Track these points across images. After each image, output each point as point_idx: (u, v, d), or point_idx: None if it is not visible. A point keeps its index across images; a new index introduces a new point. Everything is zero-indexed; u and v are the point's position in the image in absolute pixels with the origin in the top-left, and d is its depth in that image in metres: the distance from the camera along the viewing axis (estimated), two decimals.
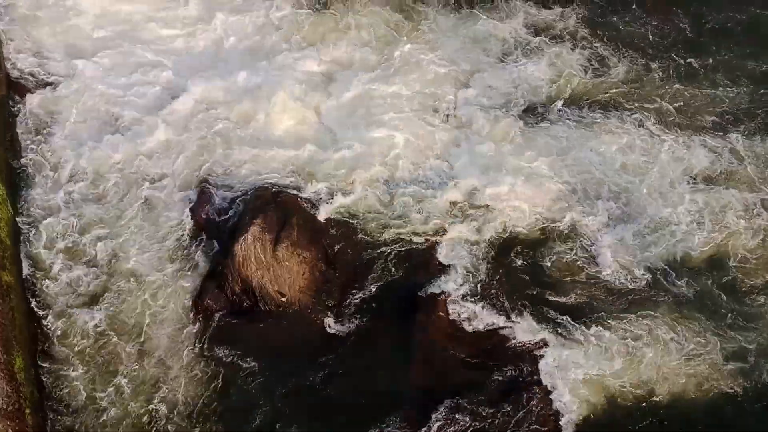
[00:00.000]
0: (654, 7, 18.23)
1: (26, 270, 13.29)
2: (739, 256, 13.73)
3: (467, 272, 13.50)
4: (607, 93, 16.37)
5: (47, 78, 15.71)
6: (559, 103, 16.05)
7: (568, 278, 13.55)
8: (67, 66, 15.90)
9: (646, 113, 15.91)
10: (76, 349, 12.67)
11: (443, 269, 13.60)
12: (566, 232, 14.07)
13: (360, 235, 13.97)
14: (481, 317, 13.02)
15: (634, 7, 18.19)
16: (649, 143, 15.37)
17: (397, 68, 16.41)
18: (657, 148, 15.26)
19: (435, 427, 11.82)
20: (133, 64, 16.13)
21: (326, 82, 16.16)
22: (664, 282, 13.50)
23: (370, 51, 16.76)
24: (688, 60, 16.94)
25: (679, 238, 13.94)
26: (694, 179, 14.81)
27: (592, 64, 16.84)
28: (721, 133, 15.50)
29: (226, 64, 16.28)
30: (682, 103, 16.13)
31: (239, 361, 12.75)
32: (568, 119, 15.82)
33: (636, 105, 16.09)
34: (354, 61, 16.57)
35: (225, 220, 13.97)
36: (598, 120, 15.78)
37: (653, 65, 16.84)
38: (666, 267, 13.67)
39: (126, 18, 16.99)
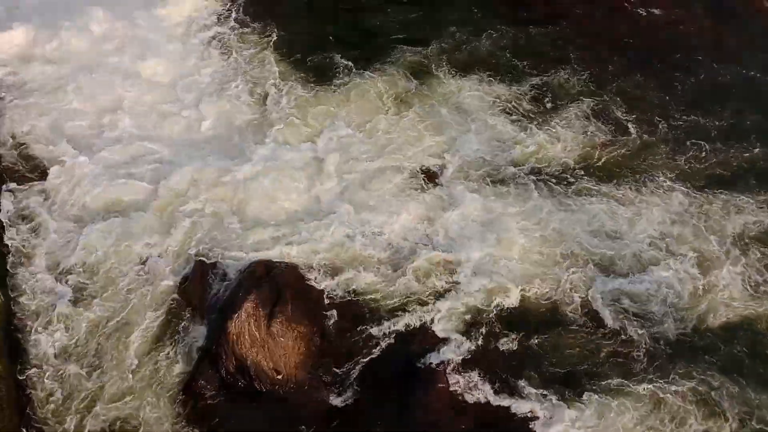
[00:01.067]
0: (658, 69, 18.36)
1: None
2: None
3: (465, 343, 13.13)
4: (610, 156, 16.24)
5: (40, 164, 15.84)
6: (558, 167, 15.98)
7: (569, 345, 13.13)
8: (60, 153, 15.99)
9: (648, 175, 15.74)
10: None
11: (441, 340, 13.23)
12: (565, 298, 13.73)
13: (355, 307, 13.70)
14: (482, 388, 12.60)
15: (638, 70, 18.32)
16: (653, 204, 15.17)
17: (390, 139, 16.50)
18: (660, 208, 15.05)
19: None
20: (128, 151, 16.26)
21: (319, 157, 16.13)
22: (670, 346, 13.06)
23: (363, 123, 16.87)
24: (696, 120, 16.93)
25: (687, 301, 13.57)
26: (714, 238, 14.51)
27: (593, 128, 16.81)
28: (732, 191, 15.34)
29: (220, 143, 16.46)
30: (693, 163, 15.98)
31: None
32: (565, 183, 15.67)
33: (637, 167, 15.92)
34: (347, 134, 16.59)
35: (218, 297, 13.77)
36: (595, 183, 15.62)
37: (658, 127, 16.76)
38: (673, 330, 13.26)
39: (121, 102, 17.33)
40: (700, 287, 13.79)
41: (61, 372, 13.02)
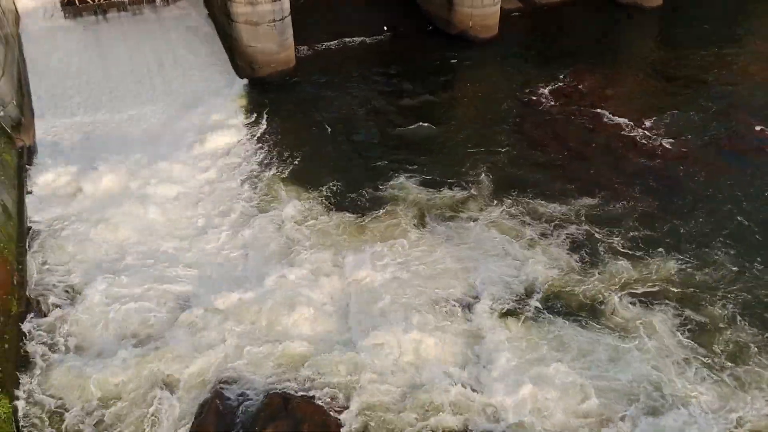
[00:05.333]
0: (672, 200, 18.75)
1: None
2: None
3: None
4: (625, 287, 16.26)
5: (66, 296, 16.02)
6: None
7: None
8: (86, 284, 16.22)
9: (674, 310, 15.62)
10: None
11: None
12: None
13: None
14: None
15: (658, 203, 18.72)
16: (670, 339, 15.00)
17: (411, 269, 16.60)
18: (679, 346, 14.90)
19: None
20: (151, 279, 16.38)
21: (342, 287, 16.16)
22: None
23: (384, 253, 17.02)
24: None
25: None
26: None
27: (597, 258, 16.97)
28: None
29: (241, 271, 16.65)
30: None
31: None
32: (588, 318, 15.53)
33: (665, 300, 15.81)
34: (368, 263, 16.69)
35: (236, 428, 13.40)
36: (615, 316, 15.50)
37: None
38: None
39: (145, 238, 17.72)
40: None
41: None
